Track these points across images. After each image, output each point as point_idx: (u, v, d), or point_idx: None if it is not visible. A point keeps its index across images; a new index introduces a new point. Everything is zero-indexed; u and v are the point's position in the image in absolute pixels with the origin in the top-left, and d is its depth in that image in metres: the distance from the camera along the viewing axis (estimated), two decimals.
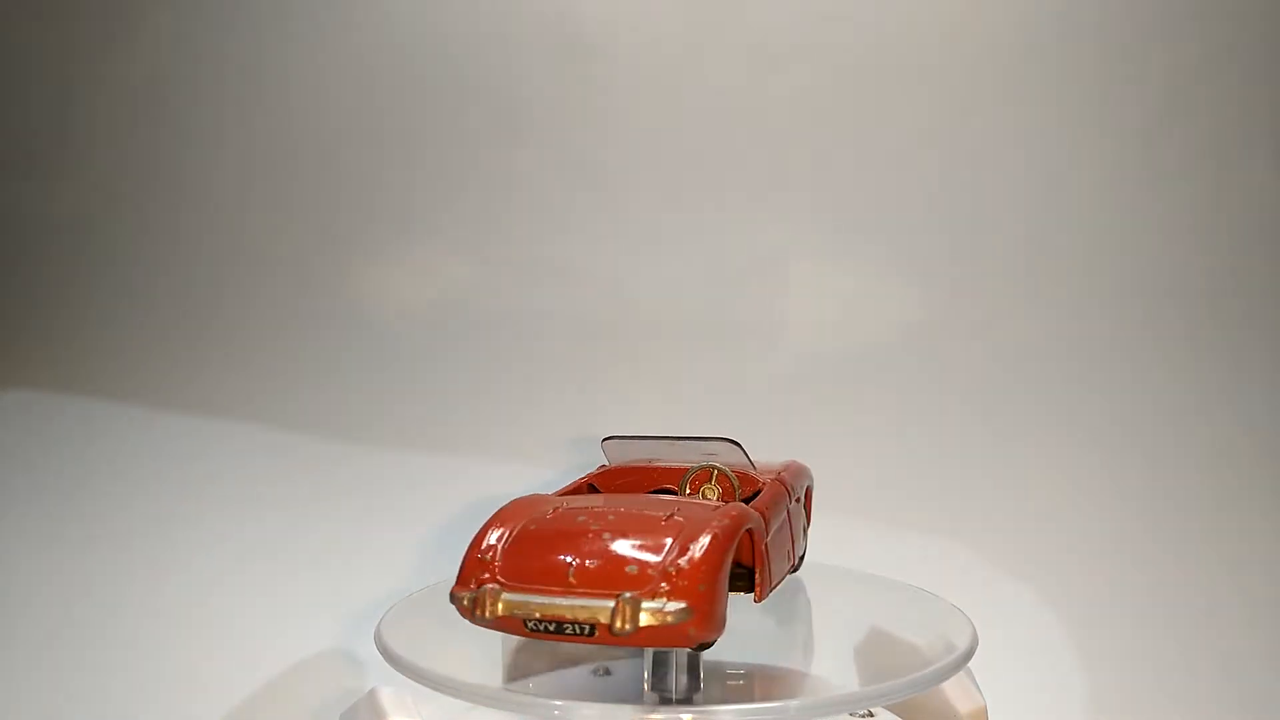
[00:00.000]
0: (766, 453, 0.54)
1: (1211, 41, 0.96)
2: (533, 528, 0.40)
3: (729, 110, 0.99)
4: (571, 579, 0.38)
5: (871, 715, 0.51)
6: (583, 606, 0.37)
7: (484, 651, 0.51)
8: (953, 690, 0.50)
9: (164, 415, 1.00)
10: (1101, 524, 0.83)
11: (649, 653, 0.47)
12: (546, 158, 1.02)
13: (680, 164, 1.00)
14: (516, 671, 0.49)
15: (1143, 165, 0.97)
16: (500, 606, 0.38)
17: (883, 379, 0.94)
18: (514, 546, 0.40)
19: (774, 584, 0.45)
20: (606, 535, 0.39)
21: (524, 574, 0.39)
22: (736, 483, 0.48)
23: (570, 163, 1.02)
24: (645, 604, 0.36)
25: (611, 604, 0.36)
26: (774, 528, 0.45)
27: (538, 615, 0.37)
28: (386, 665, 0.45)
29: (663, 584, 0.37)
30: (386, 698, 0.45)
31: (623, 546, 0.38)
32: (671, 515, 0.40)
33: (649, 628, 0.36)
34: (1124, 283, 0.96)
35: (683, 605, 0.36)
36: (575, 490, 0.50)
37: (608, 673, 0.48)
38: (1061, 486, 0.86)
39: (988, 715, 0.51)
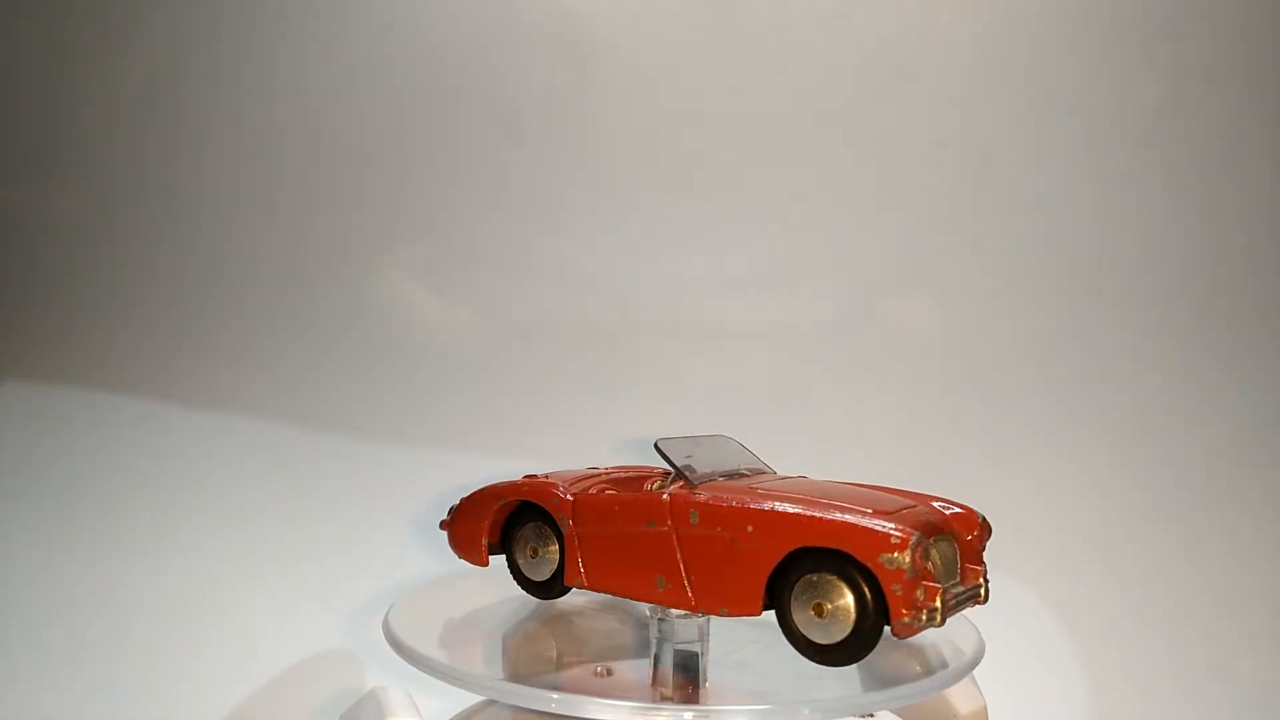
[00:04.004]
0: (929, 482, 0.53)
1: (1215, 41, 0.96)
2: None
3: (729, 110, 0.99)
4: None
5: (872, 716, 0.51)
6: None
7: (486, 649, 0.51)
8: (953, 691, 0.50)
9: (159, 411, 1.00)
10: (1102, 525, 0.83)
11: (653, 652, 0.48)
12: (544, 158, 1.02)
13: (680, 164, 1.00)
14: (517, 671, 0.49)
15: (1145, 165, 0.97)
16: None
17: (882, 380, 0.94)
18: None
19: (597, 581, 0.49)
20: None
21: None
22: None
23: (568, 163, 1.02)
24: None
25: None
26: (609, 526, 0.49)
27: None
28: (385, 663, 0.45)
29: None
30: (387, 697, 0.45)
31: None
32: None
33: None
34: (1125, 285, 0.96)
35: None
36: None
37: (609, 673, 0.48)
38: (1063, 488, 0.86)
39: (988, 716, 0.51)
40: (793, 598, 0.43)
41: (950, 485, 0.85)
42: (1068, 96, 0.97)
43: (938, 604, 0.41)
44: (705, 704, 0.44)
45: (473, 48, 1.02)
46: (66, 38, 1.13)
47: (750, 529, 0.45)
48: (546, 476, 0.54)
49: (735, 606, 0.45)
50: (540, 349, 0.99)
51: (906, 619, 0.41)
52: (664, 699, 0.45)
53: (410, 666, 0.46)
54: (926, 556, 0.42)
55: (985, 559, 0.48)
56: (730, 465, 0.52)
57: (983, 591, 0.47)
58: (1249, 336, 0.94)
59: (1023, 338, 0.94)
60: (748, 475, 0.51)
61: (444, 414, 0.96)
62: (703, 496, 0.47)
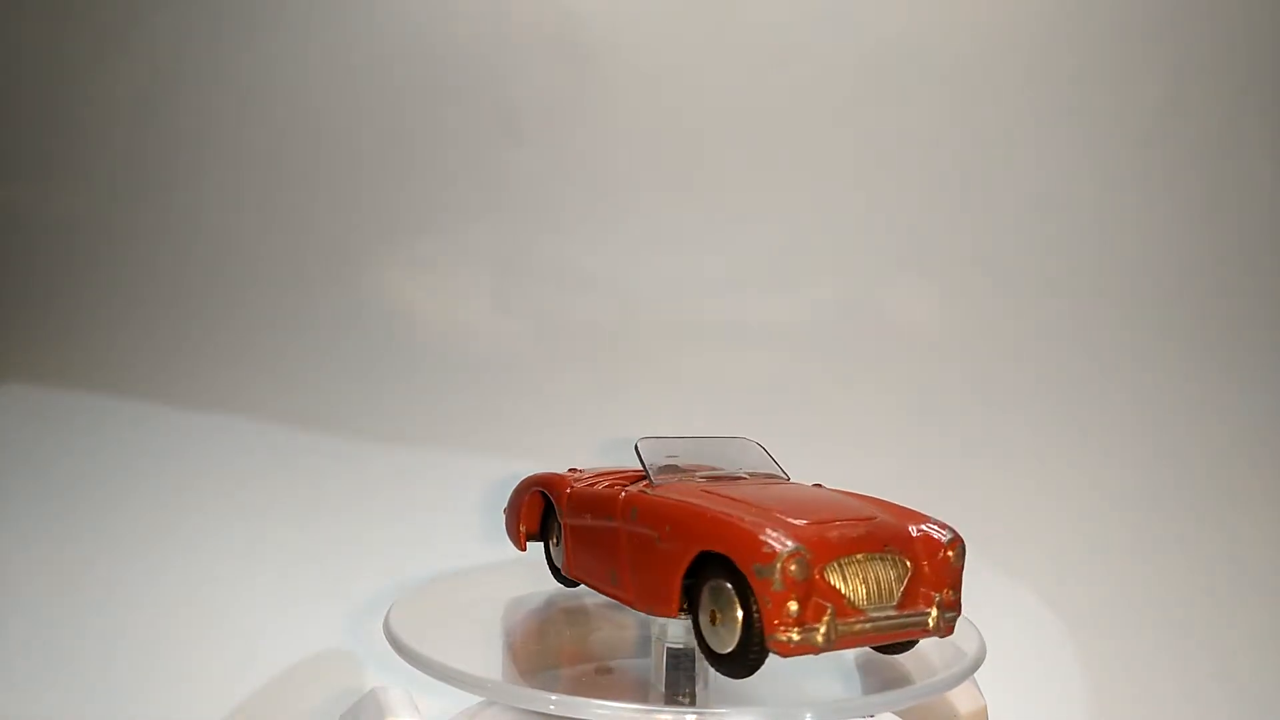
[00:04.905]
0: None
1: (1215, 41, 0.96)
2: None
3: (729, 110, 0.99)
4: None
5: (873, 718, 0.51)
6: None
7: (486, 649, 0.51)
8: (954, 691, 0.50)
9: (159, 411, 1.00)
10: (1102, 526, 0.83)
11: (653, 652, 0.48)
12: (544, 158, 1.02)
13: (680, 164, 1.00)
14: (517, 671, 0.49)
15: (1145, 165, 0.97)
16: None
17: (882, 380, 0.94)
18: None
19: (578, 571, 0.52)
20: None
21: None
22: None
23: (568, 163, 1.02)
24: None
25: None
26: (584, 518, 0.51)
27: None
28: (385, 663, 0.45)
29: None
30: (387, 697, 0.45)
31: None
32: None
33: None
34: (1126, 284, 0.96)
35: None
36: None
37: (609, 671, 0.48)
38: (1064, 487, 0.86)
39: (988, 716, 0.51)
40: (699, 603, 0.42)
41: (950, 485, 0.86)
42: (1068, 96, 0.97)
43: (821, 625, 0.39)
44: (705, 706, 0.44)
45: (472, 48, 1.02)
46: (66, 38, 1.13)
47: (668, 529, 0.44)
48: (580, 471, 0.56)
49: (658, 607, 0.44)
50: (540, 349, 0.99)
51: (779, 635, 0.39)
52: (664, 700, 0.45)
53: (410, 666, 0.46)
54: (806, 572, 0.39)
55: (957, 587, 0.43)
56: (728, 468, 0.51)
57: (931, 621, 0.43)
58: (1249, 336, 0.94)
59: (1023, 338, 0.94)
60: (744, 479, 0.50)
61: (444, 414, 0.96)
62: (648, 494, 0.46)
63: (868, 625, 0.41)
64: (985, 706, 0.51)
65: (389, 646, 0.47)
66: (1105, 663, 0.70)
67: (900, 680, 0.46)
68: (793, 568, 0.39)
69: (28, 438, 0.99)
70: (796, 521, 0.42)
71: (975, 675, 0.51)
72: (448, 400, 0.97)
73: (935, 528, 0.44)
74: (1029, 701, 0.63)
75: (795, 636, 0.39)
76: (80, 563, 0.81)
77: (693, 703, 0.45)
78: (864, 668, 0.48)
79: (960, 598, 0.44)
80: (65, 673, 0.69)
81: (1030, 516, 0.83)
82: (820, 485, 0.50)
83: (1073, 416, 0.91)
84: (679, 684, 0.46)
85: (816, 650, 0.39)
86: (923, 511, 0.46)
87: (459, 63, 1.02)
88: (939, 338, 0.96)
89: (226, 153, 1.08)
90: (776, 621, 0.39)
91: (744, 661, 0.41)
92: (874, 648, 0.45)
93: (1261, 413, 0.91)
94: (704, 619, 0.42)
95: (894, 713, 0.48)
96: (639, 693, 0.45)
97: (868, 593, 0.41)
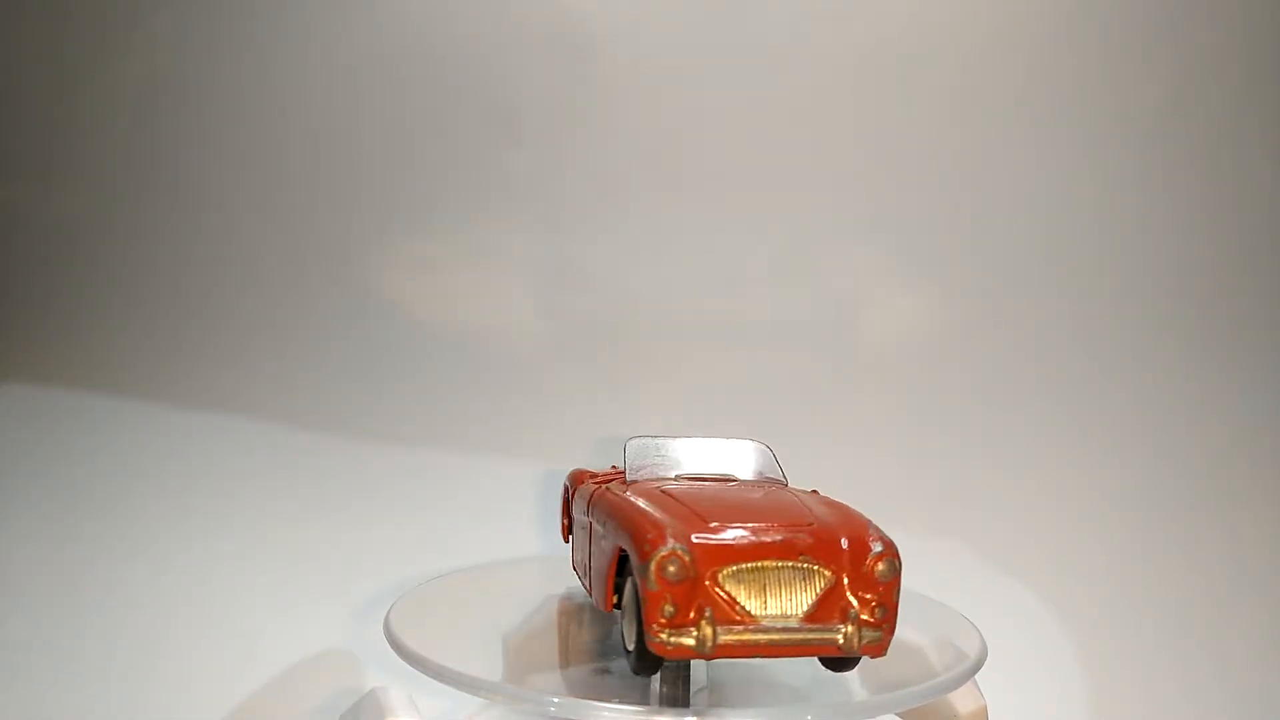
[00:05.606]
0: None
1: (1215, 41, 0.96)
2: None
3: (729, 110, 0.99)
4: None
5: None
6: None
7: (486, 650, 0.51)
8: (954, 691, 0.50)
9: (159, 411, 1.00)
10: (1102, 525, 0.83)
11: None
12: (544, 158, 1.02)
13: (680, 164, 1.00)
14: (518, 672, 0.49)
15: (1146, 165, 0.97)
16: None
17: (882, 380, 0.94)
18: None
19: (575, 565, 0.54)
20: None
21: None
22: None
23: (568, 163, 1.02)
24: None
25: None
26: (578, 514, 0.52)
27: None
28: (385, 663, 0.45)
29: None
30: (387, 697, 0.45)
31: None
32: None
33: None
34: (1127, 284, 0.96)
35: None
36: None
37: (608, 672, 0.48)
38: (1064, 487, 0.86)
39: (988, 716, 0.51)
40: (623, 599, 0.43)
41: (950, 485, 0.86)
42: (1068, 96, 0.97)
43: (698, 630, 0.38)
44: (707, 707, 0.44)
45: (472, 48, 1.02)
46: (66, 38, 1.13)
47: (605, 526, 0.44)
48: (616, 468, 0.56)
49: (600, 601, 0.45)
50: (540, 348, 0.99)
51: (654, 636, 0.38)
52: (665, 702, 0.45)
53: (410, 667, 0.46)
54: (685, 573, 0.38)
55: (887, 604, 0.40)
56: (717, 470, 0.51)
57: (843, 638, 0.39)
58: (1249, 336, 0.94)
59: (1023, 338, 0.94)
60: (731, 482, 0.50)
61: (444, 414, 0.96)
62: (609, 493, 0.46)
63: (761, 636, 0.39)
64: (985, 706, 0.51)
65: (389, 647, 0.47)
66: (1105, 663, 0.70)
67: (900, 681, 0.46)
68: (670, 568, 0.38)
69: (28, 438, 0.99)
70: (708, 524, 0.40)
71: (976, 676, 0.51)
72: (447, 400, 0.97)
73: (873, 539, 0.41)
74: (1029, 701, 0.63)
75: (667, 638, 0.38)
76: (80, 563, 0.81)
77: (691, 704, 0.45)
78: (864, 669, 0.48)
79: (892, 616, 0.40)
80: (65, 673, 0.69)
81: (1030, 516, 0.83)
82: (816, 491, 0.49)
83: (1073, 416, 0.91)
84: (678, 685, 0.46)
85: (696, 655, 0.38)
86: (871, 520, 0.43)
87: (459, 63, 1.02)
88: (939, 337, 0.96)
89: (226, 153, 1.08)
90: (652, 621, 0.38)
91: (641, 659, 0.41)
92: (822, 661, 0.43)
93: (1261, 413, 0.91)
94: (621, 615, 0.43)
95: (894, 713, 0.48)
96: (639, 693, 0.45)
97: (765, 602, 0.39)
